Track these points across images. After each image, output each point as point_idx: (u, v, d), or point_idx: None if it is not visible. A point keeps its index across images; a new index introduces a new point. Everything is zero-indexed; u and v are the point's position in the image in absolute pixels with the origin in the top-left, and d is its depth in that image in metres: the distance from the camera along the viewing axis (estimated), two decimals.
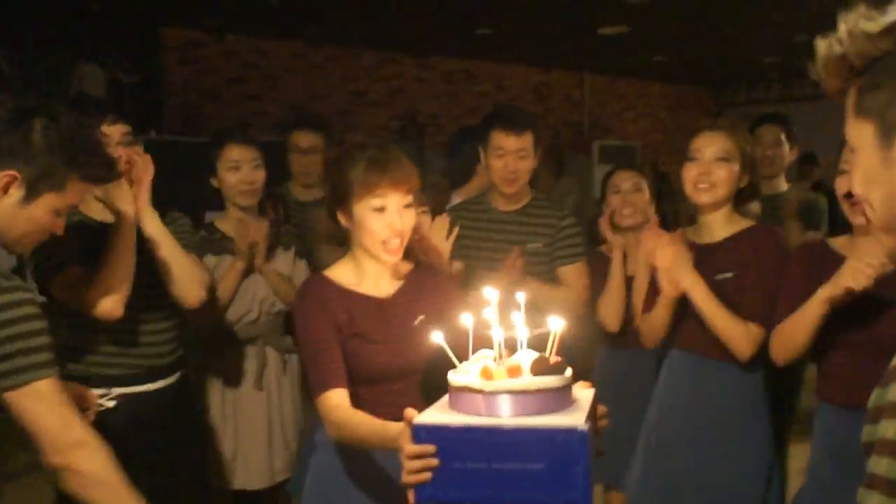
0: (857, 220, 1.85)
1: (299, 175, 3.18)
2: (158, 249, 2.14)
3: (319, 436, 1.80)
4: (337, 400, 1.63)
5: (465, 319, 1.39)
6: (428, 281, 1.86)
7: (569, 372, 1.36)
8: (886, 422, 0.77)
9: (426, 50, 7.99)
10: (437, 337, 1.40)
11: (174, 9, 5.90)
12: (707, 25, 6.72)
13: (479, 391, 1.30)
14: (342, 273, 1.81)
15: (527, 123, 2.58)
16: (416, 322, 1.81)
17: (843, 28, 0.87)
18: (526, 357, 1.35)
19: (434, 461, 1.28)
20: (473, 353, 1.39)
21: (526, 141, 2.54)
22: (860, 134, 0.86)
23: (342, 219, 1.77)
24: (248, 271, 2.63)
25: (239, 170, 2.61)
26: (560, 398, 1.32)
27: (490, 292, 1.42)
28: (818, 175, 6.90)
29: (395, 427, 1.42)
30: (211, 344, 2.66)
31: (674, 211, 4.10)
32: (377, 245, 1.73)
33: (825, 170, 6.87)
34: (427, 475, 1.29)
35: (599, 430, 1.41)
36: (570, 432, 1.24)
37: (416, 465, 1.29)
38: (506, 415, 1.28)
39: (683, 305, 2.18)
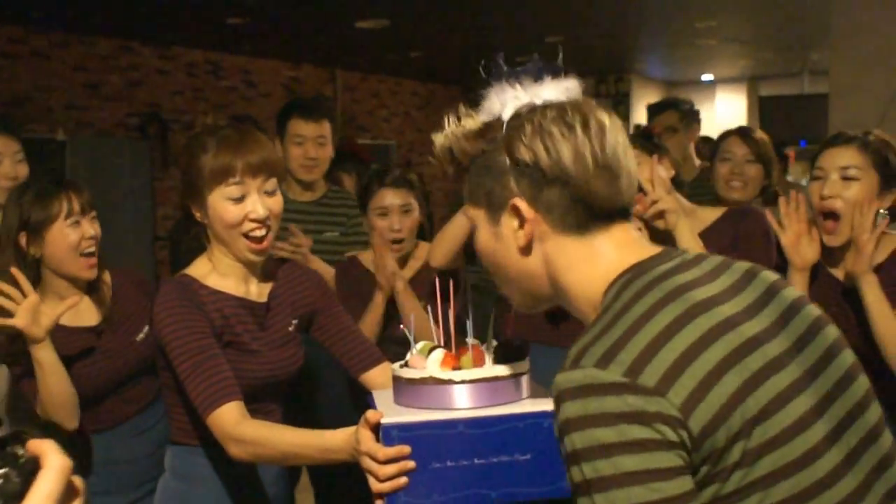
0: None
1: None
2: None
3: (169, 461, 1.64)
4: (236, 414, 1.46)
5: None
6: (302, 279, 1.76)
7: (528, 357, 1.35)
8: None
9: (168, 39, 7.56)
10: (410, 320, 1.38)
11: None
12: (465, 21, 7.05)
13: (447, 382, 1.24)
14: (204, 273, 1.64)
15: (324, 111, 2.74)
16: (291, 328, 1.70)
17: (448, 128, 1.12)
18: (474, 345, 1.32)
19: (411, 464, 1.20)
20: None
21: (324, 128, 2.70)
22: (475, 216, 1.08)
23: (196, 213, 1.61)
24: None
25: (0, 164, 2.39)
26: (527, 383, 1.30)
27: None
28: None
29: (334, 435, 1.31)
30: None
31: (428, 214, 4.19)
32: (238, 241, 1.59)
33: None
34: (403, 480, 1.20)
35: None
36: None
37: (390, 471, 1.20)
38: (479, 405, 1.23)
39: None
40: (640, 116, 11.15)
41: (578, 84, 1.08)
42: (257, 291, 1.68)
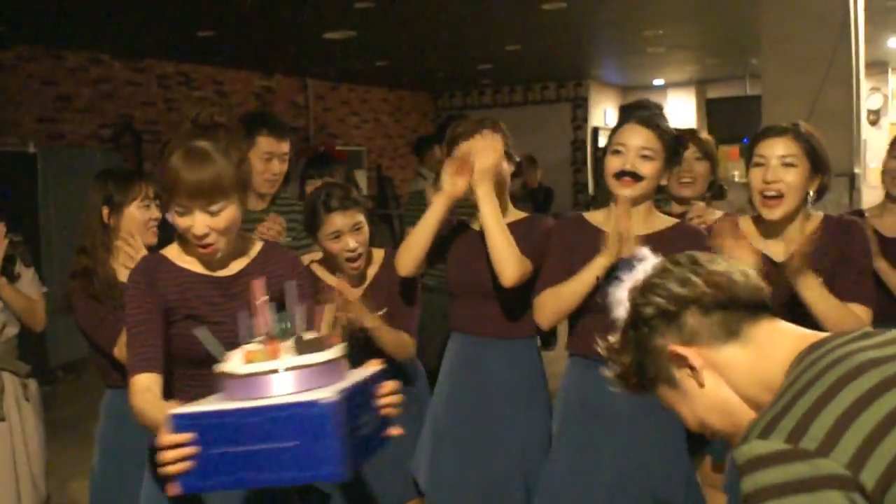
0: (624, 192, 2.11)
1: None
2: None
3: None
4: (142, 384, 1.61)
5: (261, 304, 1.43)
6: (278, 260, 1.83)
7: (336, 349, 1.40)
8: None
9: (139, 52, 7.58)
10: (200, 332, 1.43)
11: None
12: (429, 32, 7.16)
13: (236, 375, 1.33)
14: (178, 251, 1.77)
15: (288, 130, 2.88)
16: (259, 303, 1.75)
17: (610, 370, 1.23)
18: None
19: (189, 450, 1.30)
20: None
21: (288, 146, 2.81)
22: (667, 398, 1.16)
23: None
24: None
25: None
26: (323, 375, 1.35)
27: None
28: (539, 175, 7.67)
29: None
30: None
31: (399, 215, 4.22)
32: (191, 242, 1.71)
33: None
34: (185, 465, 1.30)
35: (383, 408, 1.49)
36: (313, 406, 1.26)
37: (170, 456, 1.30)
38: (264, 395, 1.31)
39: (460, 288, 2.37)
40: (597, 119, 11.36)
41: (654, 256, 1.22)
42: (230, 267, 1.78)
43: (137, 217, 2.35)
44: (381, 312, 2.32)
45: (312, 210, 2.38)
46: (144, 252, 2.25)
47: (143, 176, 2.50)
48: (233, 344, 1.63)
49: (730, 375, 1.06)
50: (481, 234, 2.25)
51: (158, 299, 1.69)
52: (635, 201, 2.12)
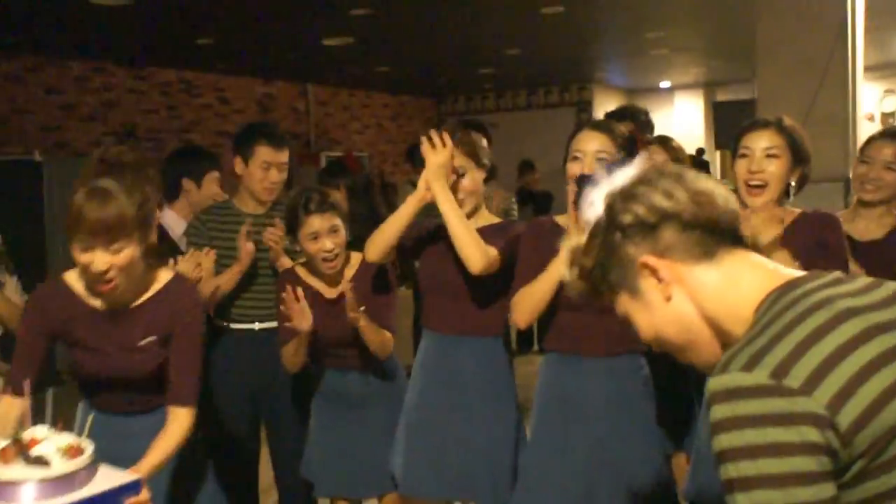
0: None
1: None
2: None
3: None
4: (3, 408, 1.82)
5: None
6: (178, 299, 1.91)
7: (71, 463, 1.52)
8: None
9: (140, 60, 7.58)
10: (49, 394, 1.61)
11: None
12: (425, 37, 7.12)
13: None
14: (74, 279, 1.86)
15: (286, 140, 2.96)
16: (144, 342, 1.88)
17: (565, 255, 1.20)
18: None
19: None
20: None
21: (286, 155, 2.89)
22: (623, 305, 1.14)
23: None
24: None
25: None
26: (49, 489, 1.48)
27: None
28: (537, 179, 7.62)
29: None
30: None
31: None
32: (92, 280, 1.80)
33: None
34: None
35: None
36: None
37: None
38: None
39: (432, 288, 2.44)
40: None
41: (636, 162, 1.16)
42: (121, 301, 1.87)
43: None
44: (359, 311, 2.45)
45: (293, 212, 2.50)
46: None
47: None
48: (114, 379, 1.86)
49: (696, 294, 1.06)
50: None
51: (47, 325, 1.83)
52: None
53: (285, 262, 2.74)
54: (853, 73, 3.66)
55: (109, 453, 1.74)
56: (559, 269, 2.02)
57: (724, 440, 0.90)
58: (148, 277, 1.89)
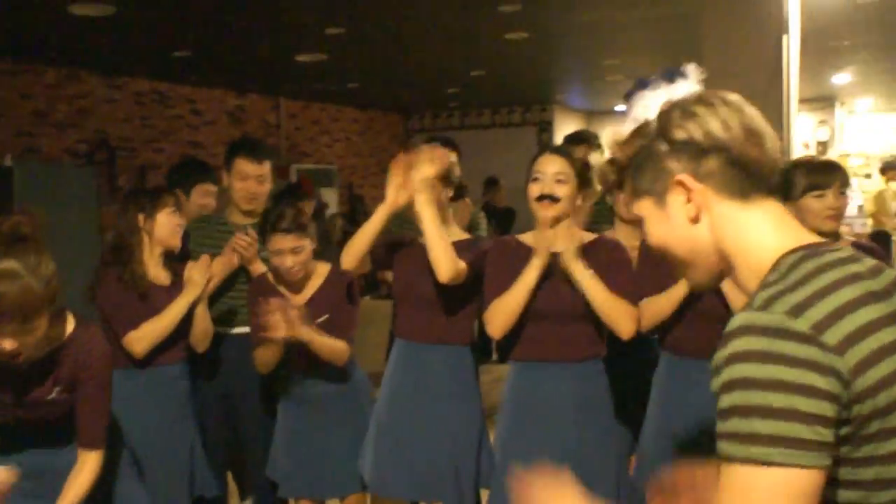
0: (546, 214, 2.35)
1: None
2: None
3: None
4: None
5: None
6: (80, 351, 1.93)
7: None
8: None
9: (116, 69, 7.61)
10: None
11: None
12: (397, 57, 7.28)
13: None
14: None
15: (266, 153, 3.04)
16: (53, 395, 1.91)
17: (605, 141, 1.24)
18: None
19: None
20: None
21: (265, 168, 2.99)
22: (642, 208, 1.14)
23: None
24: None
25: None
26: None
27: None
28: (502, 195, 7.82)
29: None
30: None
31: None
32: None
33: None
34: None
35: None
36: None
37: None
38: None
39: (405, 298, 2.54)
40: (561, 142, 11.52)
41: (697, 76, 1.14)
42: (30, 353, 1.83)
43: (166, 223, 2.63)
44: (321, 320, 2.53)
45: (264, 227, 2.64)
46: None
47: (170, 190, 2.83)
48: (20, 429, 1.88)
49: (719, 228, 1.06)
50: (425, 249, 2.41)
51: None
52: (556, 220, 2.33)
53: (258, 268, 2.84)
54: (788, 106, 3.92)
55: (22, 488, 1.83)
56: (531, 276, 2.22)
57: (735, 370, 0.92)
58: (52, 334, 1.86)
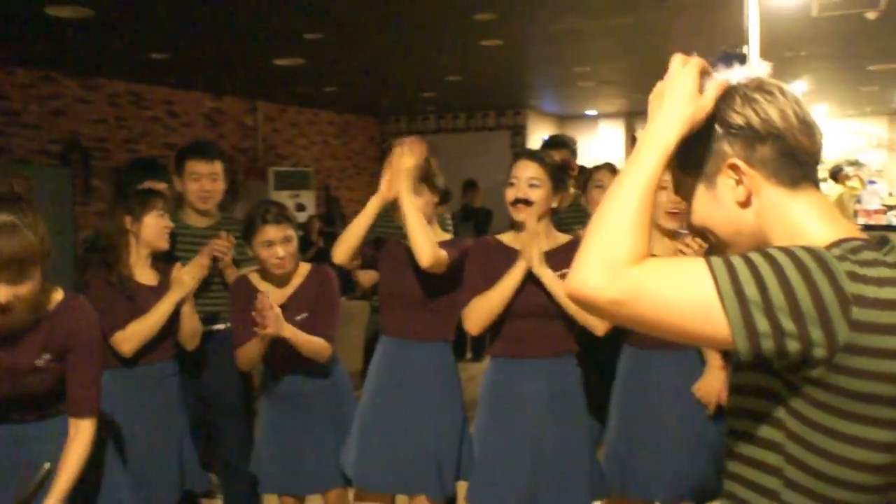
0: (519, 217, 2.43)
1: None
2: None
3: None
4: None
5: None
6: (71, 318, 1.98)
7: None
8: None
9: (90, 71, 7.56)
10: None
11: None
12: (373, 62, 7.31)
13: None
14: None
15: (216, 153, 3.11)
16: (41, 362, 1.94)
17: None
18: None
19: None
20: None
21: (216, 167, 3.06)
22: (688, 185, 1.14)
23: None
24: None
25: None
26: None
27: None
28: (480, 197, 7.91)
29: None
30: None
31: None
32: None
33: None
34: None
35: None
36: None
37: None
38: None
39: (390, 297, 2.59)
40: (534, 145, 11.64)
41: (765, 66, 1.14)
42: (12, 327, 1.89)
43: (154, 224, 2.64)
44: (300, 317, 2.58)
45: (251, 221, 2.65)
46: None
47: (159, 192, 2.82)
48: (8, 398, 1.88)
49: (765, 213, 1.07)
50: (409, 249, 2.47)
51: None
52: (530, 223, 2.41)
53: (232, 273, 2.91)
54: None
55: (5, 459, 1.88)
56: (514, 278, 2.29)
57: (773, 250, 0.96)
58: (42, 300, 1.92)
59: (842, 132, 12.23)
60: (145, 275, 2.68)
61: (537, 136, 11.72)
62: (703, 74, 1.11)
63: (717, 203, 1.09)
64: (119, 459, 2.26)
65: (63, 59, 6.89)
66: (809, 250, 0.95)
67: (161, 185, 3.24)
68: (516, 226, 2.47)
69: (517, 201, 2.42)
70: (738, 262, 0.95)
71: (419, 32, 6.05)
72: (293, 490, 2.73)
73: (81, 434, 2.01)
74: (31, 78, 7.24)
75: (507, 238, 2.52)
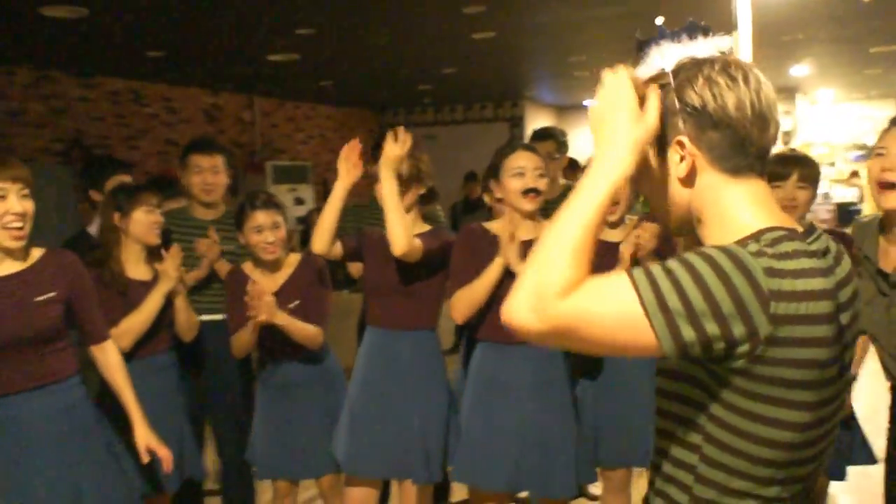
0: (530, 207, 2.43)
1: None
2: None
3: None
4: None
5: None
6: (62, 261, 2.18)
7: None
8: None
9: (90, 69, 7.60)
10: None
11: None
12: (367, 56, 7.33)
13: None
14: None
15: (216, 148, 3.18)
16: (42, 298, 2.10)
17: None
18: None
19: None
20: None
21: (217, 160, 3.11)
22: (647, 157, 1.13)
23: None
24: None
25: None
26: None
27: None
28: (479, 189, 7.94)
29: None
30: None
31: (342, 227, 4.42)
32: (1, 232, 2.03)
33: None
34: None
35: None
36: None
37: None
38: None
39: (375, 288, 2.63)
40: None
41: (729, 41, 1.13)
42: (11, 267, 2.11)
43: (143, 220, 2.66)
44: (292, 305, 2.62)
45: (241, 208, 2.70)
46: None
47: (149, 187, 2.85)
48: (9, 344, 2.02)
49: (701, 194, 1.09)
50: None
51: None
52: (513, 218, 2.44)
53: (223, 267, 2.96)
54: None
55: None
56: (495, 272, 2.32)
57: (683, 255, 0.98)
58: (29, 251, 2.14)
59: (849, 117, 12.20)
60: (139, 270, 2.71)
61: (535, 126, 11.61)
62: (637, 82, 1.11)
63: (662, 172, 1.11)
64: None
65: (61, 58, 6.93)
66: (726, 251, 0.97)
67: (126, 178, 3.27)
68: (509, 213, 2.49)
69: (529, 191, 2.43)
70: (658, 273, 0.97)
71: (410, 27, 6.07)
72: (286, 475, 2.77)
73: (110, 354, 2.31)
74: (32, 77, 7.29)
75: (493, 226, 2.55)
